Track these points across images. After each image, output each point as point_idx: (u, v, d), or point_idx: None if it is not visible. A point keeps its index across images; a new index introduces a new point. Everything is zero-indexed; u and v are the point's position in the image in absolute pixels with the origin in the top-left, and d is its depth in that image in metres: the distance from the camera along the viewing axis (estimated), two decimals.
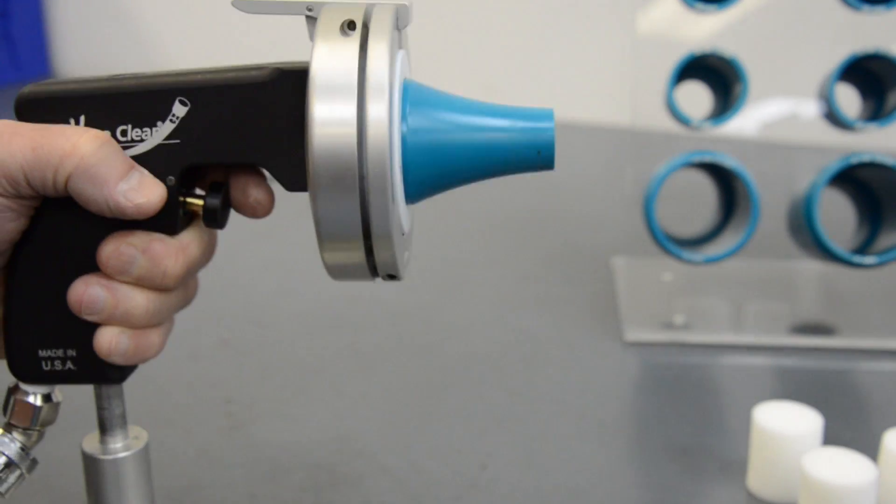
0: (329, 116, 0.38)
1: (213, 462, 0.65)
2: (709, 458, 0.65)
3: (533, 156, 0.41)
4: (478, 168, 0.41)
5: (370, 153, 0.38)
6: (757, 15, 0.92)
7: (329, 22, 0.39)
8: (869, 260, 0.80)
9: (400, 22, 0.41)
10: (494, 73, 1.58)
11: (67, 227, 0.41)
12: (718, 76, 0.87)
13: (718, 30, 0.91)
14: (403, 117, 0.40)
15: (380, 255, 0.40)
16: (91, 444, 0.45)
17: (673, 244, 0.82)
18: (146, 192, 0.40)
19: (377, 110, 0.38)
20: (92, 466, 0.44)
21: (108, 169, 0.39)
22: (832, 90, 0.81)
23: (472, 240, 1.08)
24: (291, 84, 0.40)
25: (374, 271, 0.41)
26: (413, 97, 0.41)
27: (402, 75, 0.41)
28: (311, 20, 0.41)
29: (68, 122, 0.40)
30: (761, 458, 0.61)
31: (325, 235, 0.39)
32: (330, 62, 0.38)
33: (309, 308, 0.89)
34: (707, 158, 0.81)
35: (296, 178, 0.40)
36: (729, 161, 0.81)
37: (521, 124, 0.41)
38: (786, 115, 0.95)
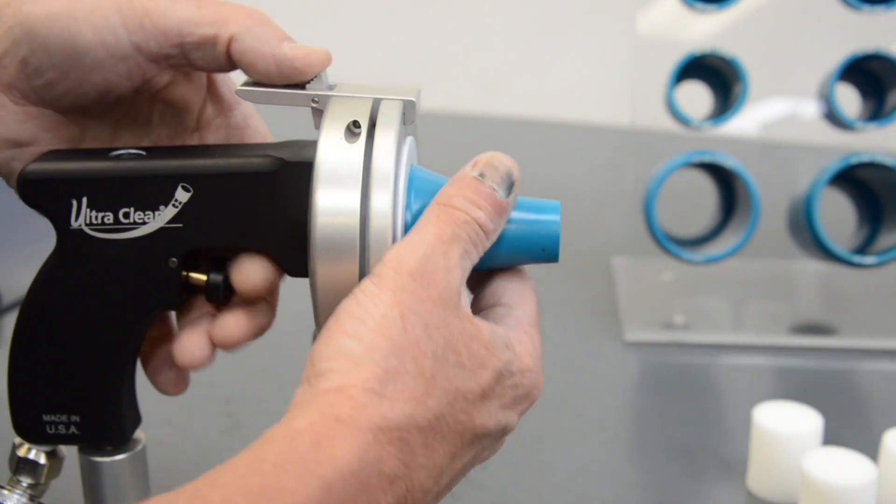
0: (332, 206, 0.38)
1: (213, 462, 0.64)
2: (709, 458, 0.65)
3: (537, 250, 0.41)
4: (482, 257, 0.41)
5: (372, 243, 0.38)
6: (757, 15, 0.92)
7: (335, 118, 0.39)
8: (869, 260, 0.80)
9: (406, 117, 0.41)
10: (495, 73, 1.58)
11: (69, 297, 0.41)
12: (718, 76, 0.87)
13: (718, 30, 0.91)
14: (408, 205, 0.40)
15: None
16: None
17: (673, 244, 0.82)
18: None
19: (380, 200, 0.38)
20: (89, 468, 0.44)
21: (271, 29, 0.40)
22: (832, 90, 0.81)
23: None
24: (295, 175, 0.40)
25: None
26: (418, 185, 0.41)
27: (408, 163, 0.41)
28: (317, 111, 0.41)
29: (70, 204, 0.40)
30: (761, 458, 0.61)
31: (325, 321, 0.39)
32: (335, 155, 0.38)
33: (309, 308, 0.88)
34: (707, 158, 0.81)
35: (297, 265, 0.41)
36: (729, 161, 0.81)
37: (526, 216, 0.41)
38: (786, 115, 0.95)
